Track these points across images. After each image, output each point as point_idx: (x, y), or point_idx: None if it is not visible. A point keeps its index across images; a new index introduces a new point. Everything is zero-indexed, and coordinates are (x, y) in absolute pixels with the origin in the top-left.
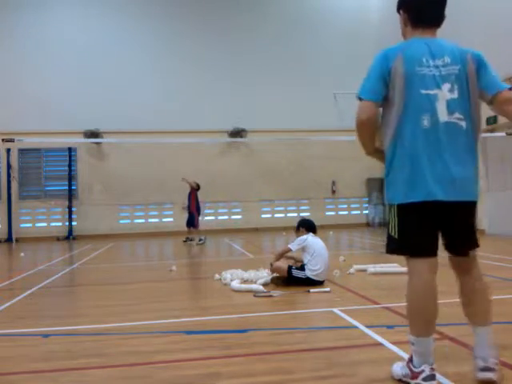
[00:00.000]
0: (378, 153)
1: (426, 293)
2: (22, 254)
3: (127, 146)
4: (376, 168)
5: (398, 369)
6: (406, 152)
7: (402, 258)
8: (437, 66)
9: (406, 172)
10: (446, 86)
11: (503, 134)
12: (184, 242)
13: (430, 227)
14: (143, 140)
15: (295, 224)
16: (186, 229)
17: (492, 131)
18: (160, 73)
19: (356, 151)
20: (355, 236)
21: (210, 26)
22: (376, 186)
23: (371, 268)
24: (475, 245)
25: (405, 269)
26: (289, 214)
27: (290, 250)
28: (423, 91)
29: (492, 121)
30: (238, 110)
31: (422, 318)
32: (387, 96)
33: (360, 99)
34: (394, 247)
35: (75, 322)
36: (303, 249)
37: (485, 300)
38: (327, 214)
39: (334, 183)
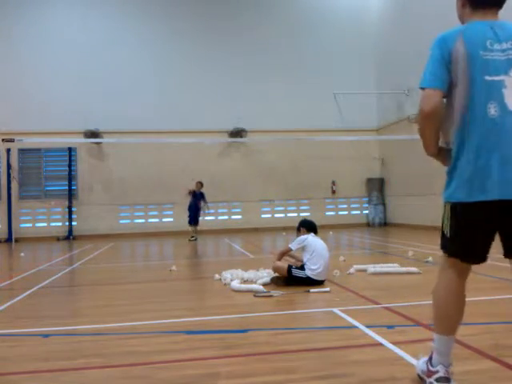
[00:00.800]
0: (441, 152)
1: (451, 295)
2: (22, 254)
3: (127, 146)
4: (376, 168)
5: (421, 363)
6: (472, 144)
7: (401, 258)
8: (503, 50)
9: (472, 167)
10: None
11: None
12: (190, 240)
13: (490, 231)
14: (143, 140)
15: (295, 224)
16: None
17: None
18: (160, 73)
19: (356, 151)
20: (355, 236)
21: (210, 25)
22: (376, 186)
23: (371, 268)
24: None
25: (405, 269)
26: (289, 214)
27: (290, 250)
28: (488, 77)
29: None
30: (238, 110)
31: (444, 318)
32: (450, 85)
33: (422, 89)
34: (446, 246)
35: (75, 322)
36: (303, 248)
37: None
38: (327, 213)
39: (334, 183)
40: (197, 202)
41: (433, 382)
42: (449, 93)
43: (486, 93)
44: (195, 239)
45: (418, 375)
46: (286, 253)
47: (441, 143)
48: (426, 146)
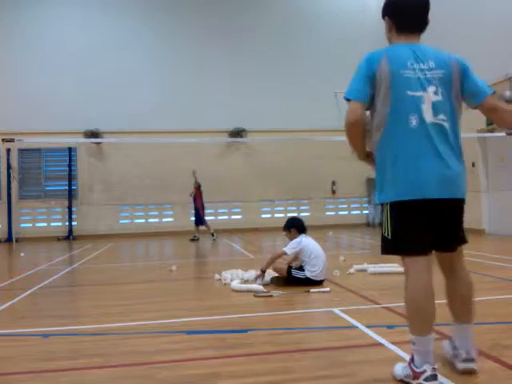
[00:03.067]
0: (369, 156)
1: (423, 292)
2: (22, 254)
3: (127, 146)
4: None
5: (400, 369)
6: (396, 151)
7: (400, 258)
8: (421, 70)
9: (397, 171)
10: (431, 89)
11: (503, 134)
12: (192, 240)
13: (422, 225)
14: (143, 140)
15: (288, 223)
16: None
17: (492, 131)
18: (160, 73)
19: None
20: (355, 236)
21: (211, 25)
22: None
23: (371, 268)
24: (463, 241)
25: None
26: (289, 214)
27: (284, 254)
28: (409, 92)
29: (492, 121)
30: (238, 110)
31: (420, 318)
32: (373, 98)
33: (348, 100)
34: (389, 247)
35: (75, 322)
36: (299, 251)
37: (469, 299)
38: (327, 213)
39: (334, 183)
40: (202, 204)
41: (422, 382)
42: (373, 104)
43: (407, 106)
44: (197, 239)
45: (402, 381)
46: (278, 257)
47: (369, 148)
48: (356, 151)
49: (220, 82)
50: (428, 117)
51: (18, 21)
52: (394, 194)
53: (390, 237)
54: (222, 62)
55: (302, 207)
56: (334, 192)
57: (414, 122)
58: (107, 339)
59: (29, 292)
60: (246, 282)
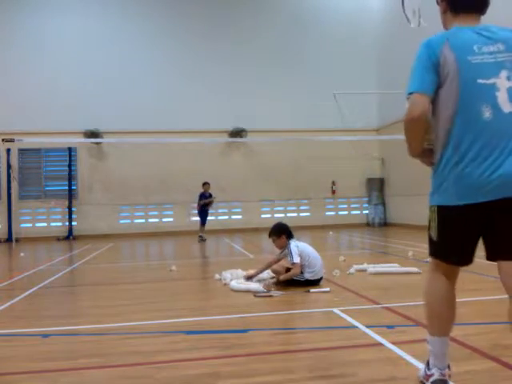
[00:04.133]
0: (426, 152)
1: (439, 300)
2: (22, 254)
3: (127, 146)
4: (376, 168)
5: (422, 370)
6: (461, 148)
7: (401, 258)
8: (491, 53)
9: (465, 170)
10: (504, 74)
11: None
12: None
13: (471, 234)
14: (143, 140)
15: (296, 224)
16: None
17: None
18: (160, 73)
19: (356, 151)
20: (355, 236)
21: (211, 25)
22: (376, 186)
23: (371, 268)
24: None
25: (405, 269)
26: (289, 214)
27: (296, 265)
28: (480, 80)
29: None
30: (238, 110)
31: (434, 320)
32: (438, 88)
33: (409, 94)
34: (433, 250)
35: (75, 322)
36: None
37: None
38: (327, 213)
39: (334, 183)
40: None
41: None
42: (437, 95)
43: (479, 96)
44: (204, 240)
45: (421, 382)
46: (275, 263)
47: (427, 145)
48: (411, 148)
49: (220, 82)
50: (505, 106)
51: (18, 21)
52: (458, 196)
53: (435, 239)
54: (222, 62)
55: (301, 207)
56: (333, 192)
57: (487, 113)
58: (107, 339)
59: (29, 292)
60: (246, 281)
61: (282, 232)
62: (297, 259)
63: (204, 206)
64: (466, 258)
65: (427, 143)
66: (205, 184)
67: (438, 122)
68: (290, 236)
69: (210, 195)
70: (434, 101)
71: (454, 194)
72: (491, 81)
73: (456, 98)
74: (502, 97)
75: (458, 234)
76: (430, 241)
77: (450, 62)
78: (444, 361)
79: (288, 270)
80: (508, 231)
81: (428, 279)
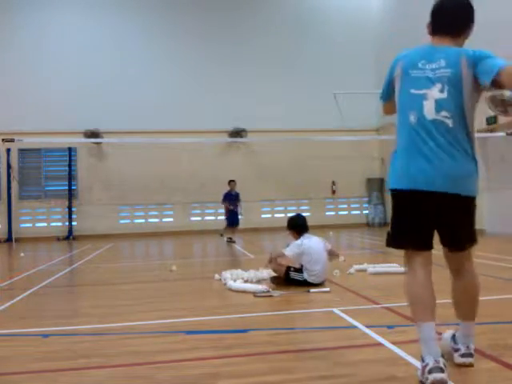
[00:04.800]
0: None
1: (418, 286)
2: (22, 254)
3: (127, 146)
4: (376, 168)
5: (419, 368)
6: (398, 145)
7: (401, 258)
8: (432, 69)
9: (396, 162)
10: (437, 87)
11: (503, 133)
12: (228, 241)
13: (421, 220)
14: (143, 140)
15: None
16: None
17: (492, 131)
18: (160, 73)
19: (356, 151)
20: (355, 236)
21: (211, 26)
22: (376, 186)
23: (371, 268)
24: (473, 240)
25: (405, 269)
26: (289, 214)
27: (283, 255)
28: (413, 91)
29: (492, 121)
30: (238, 110)
31: (417, 305)
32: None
33: (383, 102)
34: (388, 240)
35: (75, 322)
36: (300, 254)
37: (474, 300)
38: (327, 213)
39: (334, 183)
40: (235, 203)
41: (426, 376)
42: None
43: (409, 103)
44: (232, 241)
45: (420, 382)
46: (278, 257)
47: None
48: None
49: (220, 82)
50: (429, 114)
51: (17, 21)
52: (391, 182)
53: (390, 229)
54: (222, 61)
55: (302, 207)
56: (333, 192)
57: (412, 118)
58: (107, 339)
59: (29, 292)
60: (246, 281)
61: (291, 227)
62: (288, 252)
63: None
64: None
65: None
66: (230, 182)
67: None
68: (301, 231)
69: (237, 194)
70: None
71: (397, 180)
72: (422, 91)
73: (397, 104)
74: (428, 105)
75: (407, 221)
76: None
77: (397, 74)
78: (435, 348)
79: (288, 269)
80: (449, 224)
81: (406, 272)
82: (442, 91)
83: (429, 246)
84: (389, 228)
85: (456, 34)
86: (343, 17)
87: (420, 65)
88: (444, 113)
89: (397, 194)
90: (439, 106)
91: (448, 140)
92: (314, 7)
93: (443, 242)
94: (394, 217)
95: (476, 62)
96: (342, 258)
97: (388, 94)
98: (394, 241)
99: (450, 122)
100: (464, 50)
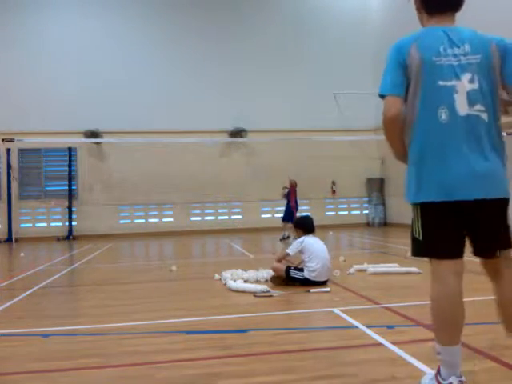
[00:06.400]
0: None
1: (448, 300)
2: (22, 254)
3: (127, 146)
4: (376, 168)
5: (427, 380)
6: (425, 149)
7: (401, 258)
8: (455, 55)
9: (426, 170)
10: (466, 77)
11: (503, 134)
12: (281, 240)
13: (454, 227)
14: (143, 140)
15: (295, 223)
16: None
17: None
18: (160, 73)
19: (356, 151)
20: (355, 236)
21: (211, 25)
22: (376, 186)
23: (371, 268)
24: (506, 245)
25: (405, 269)
26: None
27: (288, 255)
28: (441, 82)
29: None
30: (238, 110)
31: (446, 327)
32: (406, 89)
33: (382, 97)
34: (418, 249)
35: (75, 322)
36: (301, 251)
37: None
38: (327, 214)
39: (334, 183)
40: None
41: None
42: (405, 97)
43: (437, 98)
44: (288, 237)
45: None
46: (283, 258)
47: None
48: (395, 150)
49: (220, 82)
50: (462, 108)
51: (18, 21)
52: (423, 194)
53: (420, 237)
54: (222, 61)
55: (302, 207)
56: (333, 192)
57: (443, 115)
58: (107, 339)
59: (29, 292)
60: (246, 281)
61: (299, 225)
62: (290, 251)
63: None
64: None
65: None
66: (290, 181)
67: (406, 121)
68: (307, 231)
69: (289, 193)
70: (405, 101)
71: (421, 191)
72: (451, 83)
73: (417, 99)
74: (459, 99)
75: (442, 230)
76: (415, 240)
77: (415, 63)
78: (459, 368)
79: (288, 268)
80: (485, 229)
81: (432, 284)
82: (472, 81)
83: (462, 253)
84: (415, 235)
85: (457, 10)
86: (343, 17)
87: (441, 50)
88: (478, 106)
89: (429, 206)
90: (472, 98)
91: (486, 137)
92: (314, 7)
93: (477, 249)
94: (425, 226)
95: (505, 55)
96: (341, 258)
97: (401, 86)
98: (425, 250)
99: (485, 117)
100: (489, 35)
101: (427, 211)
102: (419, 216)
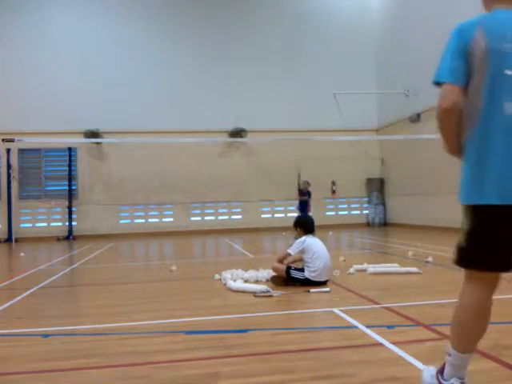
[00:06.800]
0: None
1: (478, 313)
2: (22, 254)
3: (127, 146)
4: (376, 168)
5: (429, 377)
6: (487, 145)
7: (401, 258)
8: None
9: (487, 168)
10: None
11: None
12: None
13: (510, 236)
14: (143, 140)
15: (296, 222)
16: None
17: None
18: (160, 73)
19: (356, 151)
20: (355, 236)
21: (211, 25)
22: (376, 186)
23: (371, 268)
24: None
25: (405, 269)
26: (289, 214)
27: (289, 255)
28: (508, 72)
29: None
30: (238, 110)
31: (469, 337)
32: (469, 78)
33: (438, 84)
34: (463, 259)
35: (75, 322)
36: (302, 251)
37: None
38: (327, 214)
39: (333, 183)
40: (306, 200)
41: None
42: (466, 87)
43: (504, 88)
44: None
45: None
46: (284, 258)
47: (463, 140)
48: (448, 144)
49: (220, 82)
50: None
51: (18, 21)
52: (479, 196)
53: (465, 244)
54: (222, 62)
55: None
56: (333, 192)
57: (510, 108)
58: (107, 339)
59: (29, 292)
60: (246, 281)
61: (297, 225)
62: (292, 251)
63: (302, 202)
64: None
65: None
66: (303, 182)
67: (466, 113)
68: (307, 231)
69: (309, 192)
70: (465, 91)
71: (478, 192)
72: None
73: (482, 89)
74: None
75: (497, 237)
76: (460, 246)
77: (479, 49)
78: (465, 372)
79: (289, 268)
80: None
81: (462, 293)
82: None
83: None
84: (462, 242)
85: None
86: (343, 17)
87: (509, 37)
88: None
89: (485, 210)
90: None
91: None
92: (314, 7)
93: None
94: (476, 233)
95: None
96: (341, 258)
97: (461, 74)
98: (472, 260)
99: None
100: None
101: (482, 215)
102: (471, 220)
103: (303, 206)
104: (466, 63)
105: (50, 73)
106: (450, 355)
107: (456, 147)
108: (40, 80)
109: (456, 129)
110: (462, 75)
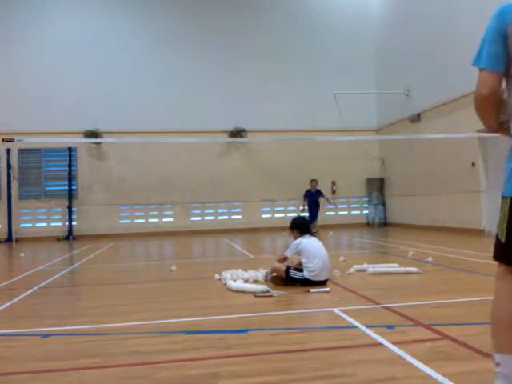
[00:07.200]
0: (503, 124)
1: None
2: (22, 254)
3: (127, 146)
4: (376, 168)
5: None
6: None
7: (401, 258)
8: None
9: None
10: None
11: None
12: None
13: None
14: (143, 140)
15: (291, 224)
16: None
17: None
18: (160, 73)
19: (356, 151)
20: (355, 236)
21: (211, 26)
22: (376, 186)
23: (371, 268)
24: None
25: (405, 269)
26: (289, 214)
27: (286, 258)
28: None
29: None
30: (238, 110)
31: (507, 329)
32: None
33: (475, 66)
34: (500, 253)
35: (75, 322)
36: (299, 252)
37: None
38: (327, 214)
39: (333, 183)
40: (316, 200)
41: None
42: (508, 71)
43: None
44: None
45: None
46: (282, 261)
47: (505, 117)
48: (486, 125)
49: (220, 82)
50: None
51: (18, 21)
52: None
53: (504, 240)
54: (222, 62)
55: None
56: (333, 192)
57: None
58: (107, 339)
59: (29, 292)
60: (246, 281)
61: (293, 226)
62: (288, 253)
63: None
64: None
65: (503, 115)
66: (312, 181)
67: (507, 102)
68: (303, 231)
69: (319, 192)
70: (507, 76)
71: None
72: None
73: None
74: None
75: None
76: (497, 240)
77: None
78: None
79: (288, 268)
80: None
81: (497, 290)
82: None
83: None
84: (499, 236)
85: None
86: (343, 17)
87: None
88: None
89: None
90: None
91: None
92: (315, 7)
93: None
94: None
95: None
96: (341, 258)
97: (500, 59)
98: (508, 255)
99: None
100: None
101: None
102: (508, 213)
103: (314, 206)
104: (505, 48)
105: (50, 73)
106: (498, 364)
107: (494, 127)
108: (40, 80)
109: (495, 115)
110: (500, 61)
